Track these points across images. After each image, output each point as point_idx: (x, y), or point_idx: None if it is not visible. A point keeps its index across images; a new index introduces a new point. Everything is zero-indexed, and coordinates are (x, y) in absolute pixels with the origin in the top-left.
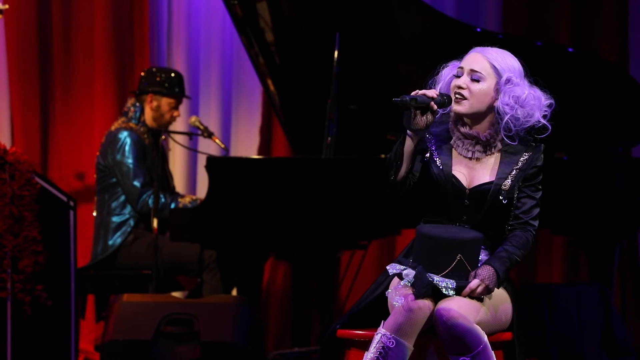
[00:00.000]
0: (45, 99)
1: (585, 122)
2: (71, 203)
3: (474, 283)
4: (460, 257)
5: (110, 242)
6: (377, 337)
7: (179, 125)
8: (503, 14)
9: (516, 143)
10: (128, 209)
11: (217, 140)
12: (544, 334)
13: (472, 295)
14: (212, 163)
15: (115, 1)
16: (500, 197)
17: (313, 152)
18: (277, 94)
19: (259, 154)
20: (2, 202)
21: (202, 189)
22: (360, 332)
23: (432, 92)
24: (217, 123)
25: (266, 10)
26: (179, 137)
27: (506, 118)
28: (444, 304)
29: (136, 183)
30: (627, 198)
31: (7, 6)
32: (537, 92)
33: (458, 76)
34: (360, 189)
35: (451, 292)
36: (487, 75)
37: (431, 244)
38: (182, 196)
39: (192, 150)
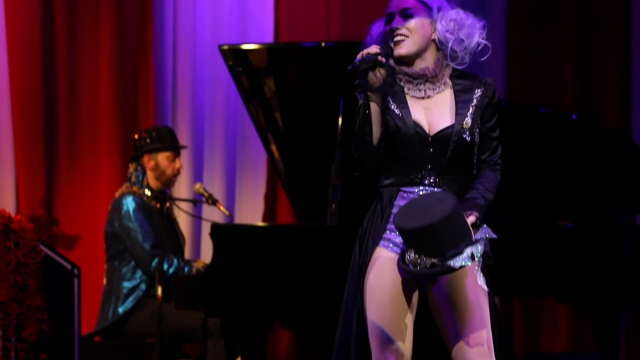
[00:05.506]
0: (50, 164)
1: (590, 189)
2: (75, 271)
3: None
4: (450, 235)
5: (121, 309)
6: None
7: (183, 192)
8: (507, 23)
9: (465, 79)
10: (139, 273)
11: (221, 207)
12: None
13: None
14: (217, 230)
15: (120, 66)
16: (464, 136)
17: (317, 219)
18: (281, 161)
19: (263, 221)
20: (6, 270)
21: (206, 256)
22: None
23: (373, 49)
24: (222, 190)
25: (271, 78)
26: (183, 204)
27: (450, 44)
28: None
29: (146, 246)
30: (632, 265)
31: None
32: (468, 15)
33: (389, 22)
34: None
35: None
36: (417, 10)
37: (420, 236)
38: (195, 261)
39: (197, 217)
